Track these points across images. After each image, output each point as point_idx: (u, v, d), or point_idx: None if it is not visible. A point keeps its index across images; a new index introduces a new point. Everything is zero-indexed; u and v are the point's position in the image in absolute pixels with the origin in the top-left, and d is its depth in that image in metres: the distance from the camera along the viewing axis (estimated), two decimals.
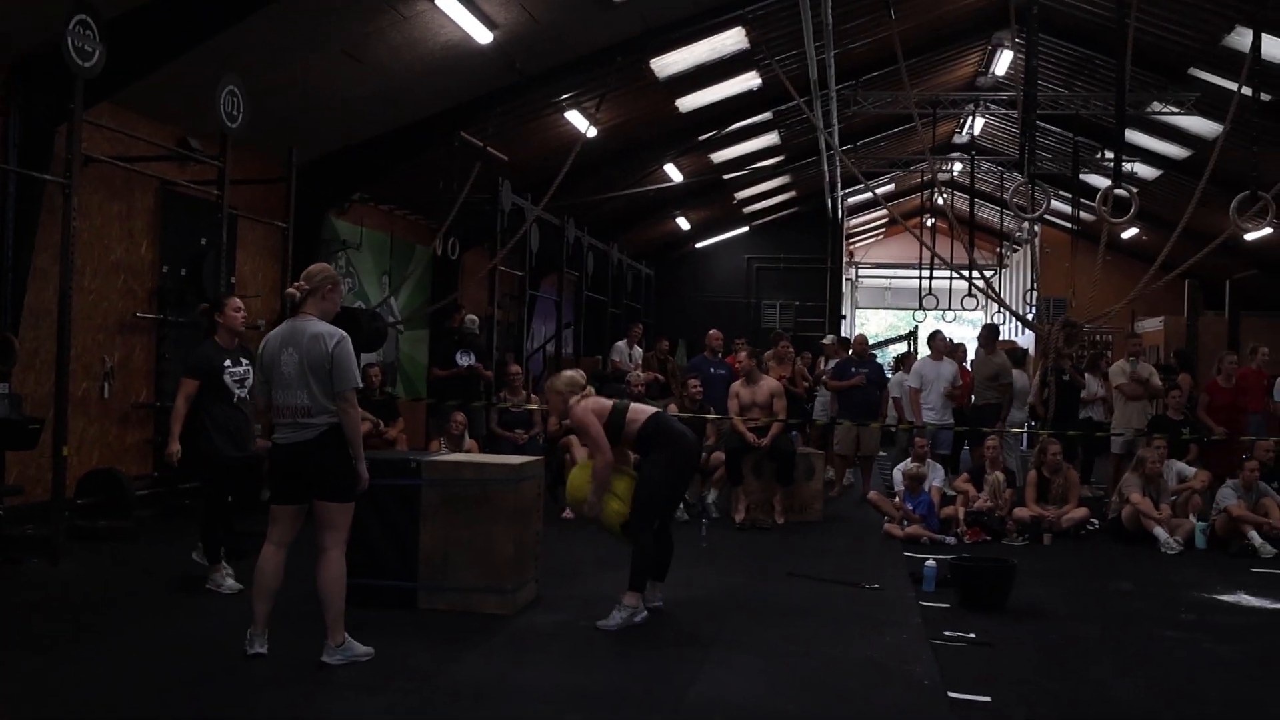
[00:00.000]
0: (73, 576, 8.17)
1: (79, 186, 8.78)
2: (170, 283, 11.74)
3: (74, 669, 5.88)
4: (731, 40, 15.43)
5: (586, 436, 7.29)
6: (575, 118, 16.11)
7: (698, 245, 30.24)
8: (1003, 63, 20.27)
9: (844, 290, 33.63)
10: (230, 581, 7.67)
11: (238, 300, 8.26)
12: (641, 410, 7.46)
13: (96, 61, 8.56)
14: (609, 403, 7.44)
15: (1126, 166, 15.79)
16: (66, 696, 5.43)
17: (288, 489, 5.97)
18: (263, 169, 12.58)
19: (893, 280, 41.06)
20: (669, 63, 15.47)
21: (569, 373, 7.73)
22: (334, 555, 5.90)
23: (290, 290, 6.02)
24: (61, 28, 8.28)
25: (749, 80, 17.58)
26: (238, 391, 7.89)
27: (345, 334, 5.95)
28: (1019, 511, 11.09)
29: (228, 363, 7.88)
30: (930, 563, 8.59)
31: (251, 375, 8.24)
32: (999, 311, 30.57)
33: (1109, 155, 19.67)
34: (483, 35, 11.92)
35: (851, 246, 37.64)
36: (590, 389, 7.63)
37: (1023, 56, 13.69)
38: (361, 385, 6.06)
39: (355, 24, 11.12)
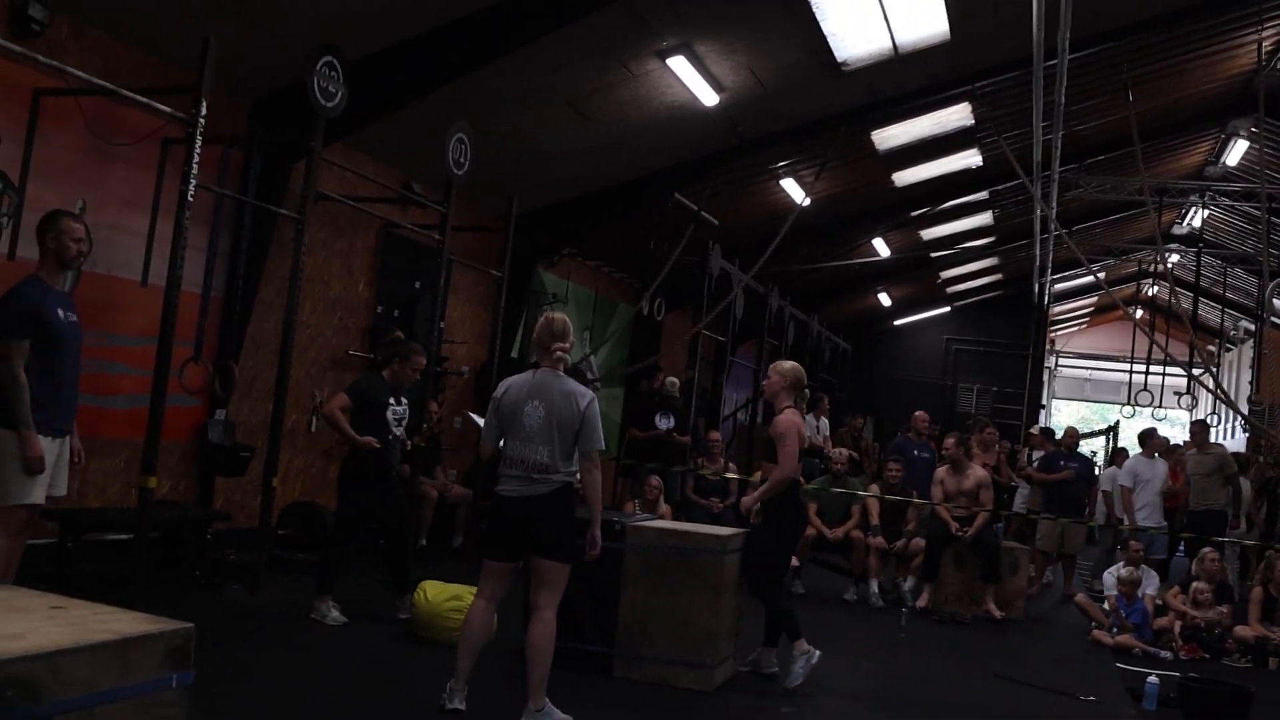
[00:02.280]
0: (271, 606, 8.20)
1: (310, 222, 8.94)
2: (383, 322, 11.91)
3: (269, 702, 5.83)
4: (956, 116, 15.07)
5: (782, 445, 7.26)
6: (790, 185, 15.93)
7: (897, 322, 29.73)
8: (1236, 152, 19.38)
9: (1043, 379, 32.57)
10: (335, 614, 7.71)
11: (422, 360, 8.44)
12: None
13: (339, 101, 8.72)
14: (804, 430, 7.55)
15: None
16: None
17: (506, 543, 5.83)
18: (477, 216, 12.70)
19: (1093, 372, 39.66)
20: (890, 135, 15.20)
21: (799, 367, 7.70)
22: (547, 616, 5.72)
23: (560, 353, 5.83)
24: (308, 68, 8.46)
25: (969, 157, 17.17)
26: (395, 430, 8.13)
27: (594, 395, 5.81)
28: (1240, 630, 10.31)
29: (391, 400, 8.09)
30: (1153, 679, 7.98)
31: (408, 417, 8.41)
32: (1213, 412, 29.11)
33: None
34: (709, 97, 11.85)
35: (1052, 334, 36.54)
36: (806, 393, 7.76)
37: (1266, 147, 13.03)
38: (604, 447, 5.89)
39: (584, 79, 11.17)
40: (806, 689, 7.19)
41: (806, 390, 7.82)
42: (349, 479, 8.04)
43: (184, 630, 2.72)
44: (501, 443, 5.82)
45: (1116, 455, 16.74)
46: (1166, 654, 10.05)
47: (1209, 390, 16.48)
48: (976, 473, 11.52)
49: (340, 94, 8.72)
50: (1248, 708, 7.32)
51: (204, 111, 7.40)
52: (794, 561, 11.06)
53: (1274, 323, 26.39)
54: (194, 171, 7.41)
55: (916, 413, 13.42)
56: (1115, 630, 10.33)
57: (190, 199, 7.43)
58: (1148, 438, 13.48)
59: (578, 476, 5.79)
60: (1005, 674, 8.43)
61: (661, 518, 10.98)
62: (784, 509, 7.36)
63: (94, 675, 2.44)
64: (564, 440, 5.65)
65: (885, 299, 27.13)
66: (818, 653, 7.12)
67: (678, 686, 6.84)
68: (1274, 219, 17.59)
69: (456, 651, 5.81)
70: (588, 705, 6.18)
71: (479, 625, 5.79)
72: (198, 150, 7.41)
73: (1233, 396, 27.53)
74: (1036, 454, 14.75)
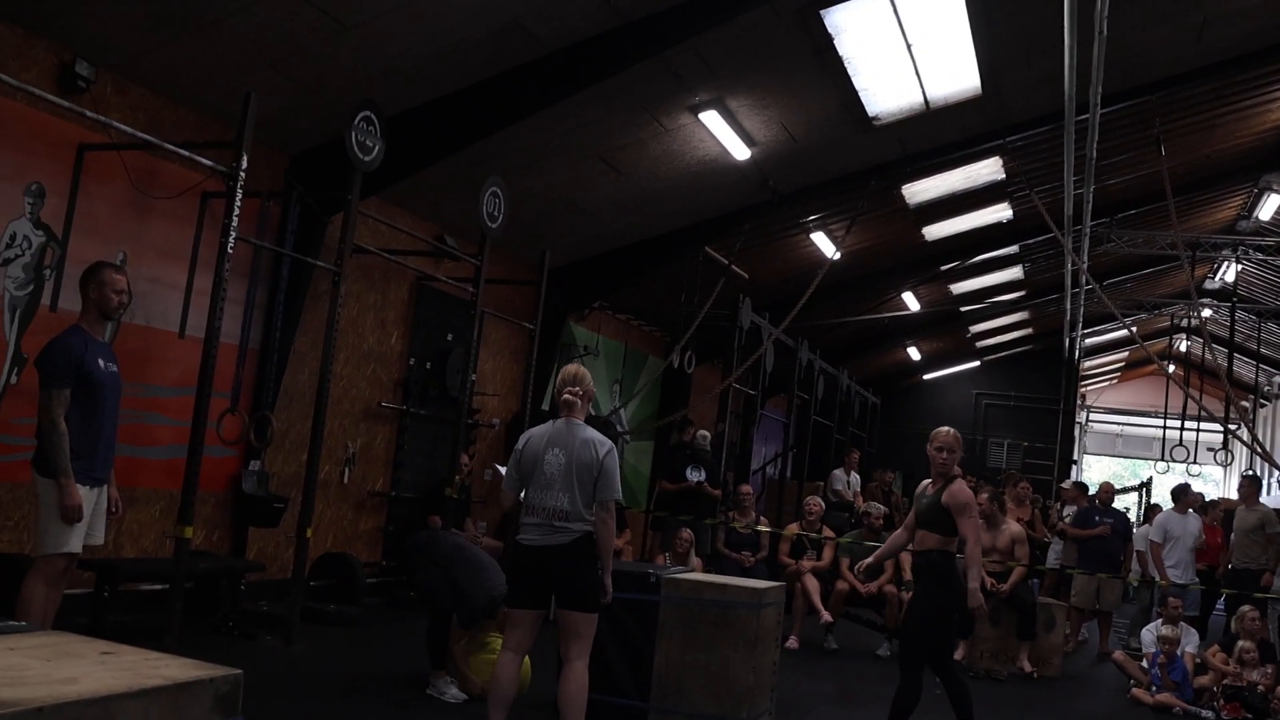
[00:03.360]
0: (304, 658, 8.20)
1: (346, 274, 9.02)
2: (416, 375, 11.96)
3: None
4: (987, 170, 15.10)
5: (967, 516, 6.85)
6: (820, 239, 15.98)
7: (926, 376, 29.65)
8: (1269, 207, 19.31)
9: (1074, 434, 32.34)
10: (454, 690, 7.42)
11: None
12: None
13: (376, 155, 8.82)
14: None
15: None
16: None
17: (530, 592, 5.83)
18: (508, 269, 12.80)
19: (1125, 427, 39.33)
20: (921, 189, 15.24)
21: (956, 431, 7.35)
22: (578, 667, 5.71)
23: (569, 397, 5.89)
24: (346, 123, 8.57)
25: (999, 211, 17.18)
26: None
27: (613, 444, 5.82)
28: None
29: None
30: None
31: None
32: (1249, 468, 28.81)
33: None
34: (741, 152, 11.94)
35: (1084, 389, 36.31)
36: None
37: None
38: (621, 498, 5.88)
39: (616, 134, 11.27)
40: None
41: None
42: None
43: (234, 677, 2.72)
44: (523, 493, 5.84)
45: (1151, 512, 16.57)
46: (1208, 714, 9.88)
47: (1246, 445, 16.32)
48: (1011, 528, 11.42)
49: (377, 148, 8.83)
50: None
51: (245, 165, 7.49)
52: (828, 616, 11.01)
53: None
54: (234, 224, 7.49)
55: None
56: (1155, 689, 10.18)
57: (230, 250, 7.50)
58: (1181, 494, 13.34)
59: None
60: None
61: (693, 570, 10.95)
62: (945, 581, 6.94)
63: None
64: (584, 488, 5.68)
65: (915, 353, 27.07)
66: None
67: None
68: None
69: (488, 704, 5.78)
70: None
71: (507, 677, 5.77)
72: (238, 202, 7.49)
73: (1273, 450, 27.30)
74: (1069, 509, 14.60)
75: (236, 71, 8.52)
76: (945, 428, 7.24)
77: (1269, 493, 27.35)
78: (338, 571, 10.29)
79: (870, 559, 7.67)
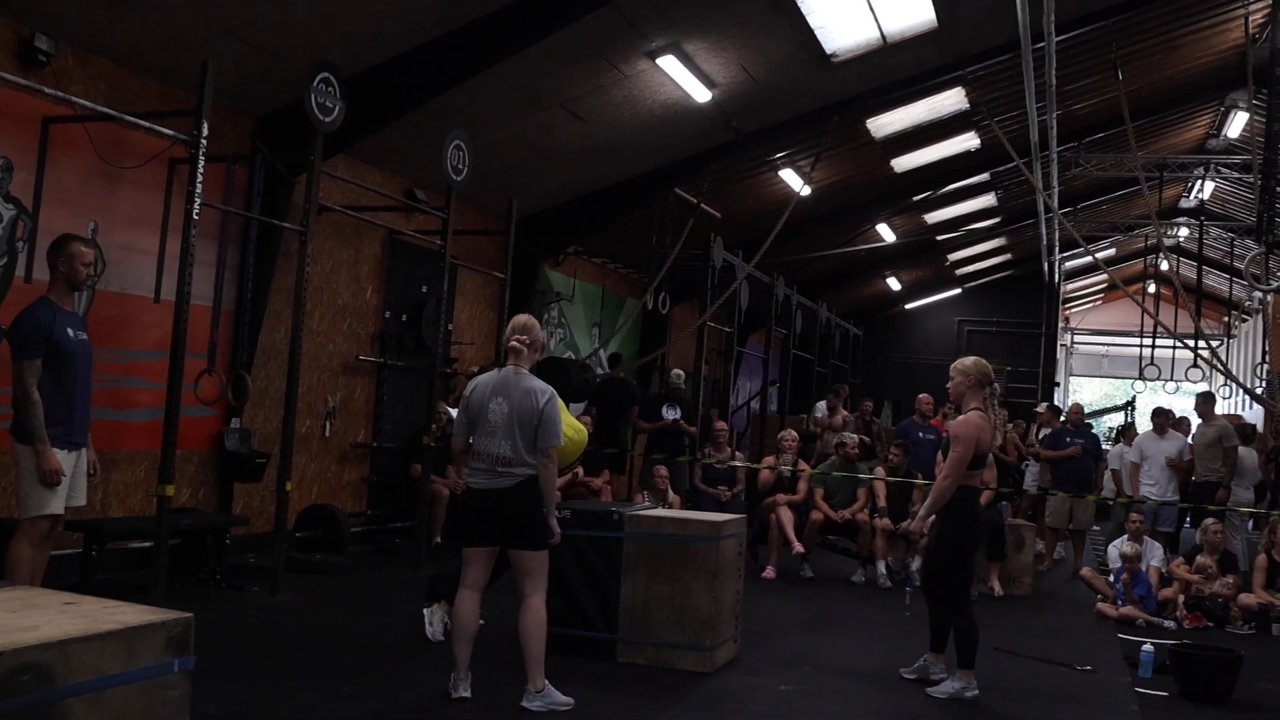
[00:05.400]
0: (289, 607, 8.50)
1: (314, 234, 9.23)
2: (392, 328, 12.19)
3: (283, 694, 6.11)
4: (951, 101, 15.23)
5: (954, 449, 6.90)
6: (789, 176, 16.15)
7: (908, 306, 29.86)
8: (1236, 125, 19.46)
9: (1059, 357, 32.64)
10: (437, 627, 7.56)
11: None
12: None
13: (336, 116, 9.01)
14: (987, 433, 7.04)
15: None
16: None
17: (480, 532, 6.09)
18: (483, 220, 13.00)
19: (1110, 348, 39.65)
20: (886, 123, 15.37)
21: (983, 361, 7.31)
22: (534, 602, 6.00)
23: (515, 344, 6.13)
24: (305, 85, 8.75)
25: (967, 141, 17.32)
26: None
27: (555, 391, 6.07)
28: (1245, 598, 10.45)
29: None
30: (1148, 647, 8.16)
31: None
32: (1225, 384, 29.14)
33: None
34: (701, 94, 12.09)
35: (1067, 312, 36.56)
36: (995, 388, 7.29)
37: (1260, 118, 13.11)
38: (562, 444, 6.14)
39: (577, 82, 11.42)
40: (808, 669, 7.45)
41: (995, 386, 7.29)
42: None
43: (184, 619, 2.99)
44: (471, 439, 6.09)
45: (1126, 432, 16.88)
46: (1171, 624, 10.19)
47: (1209, 364, 16.60)
48: None
49: (338, 109, 9.01)
50: (1237, 671, 7.48)
51: (205, 132, 7.69)
52: (800, 547, 11.31)
53: None
54: (198, 191, 7.70)
55: (920, 395, 13.57)
56: (1120, 602, 10.51)
57: (196, 217, 7.72)
58: (1157, 416, 13.64)
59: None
60: (1005, 648, 8.61)
61: (671, 506, 11.26)
62: (961, 517, 6.97)
63: (102, 661, 2.72)
64: (525, 435, 5.93)
65: (894, 283, 27.26)
66: (978, 692, 6.90)
67: (680, 669, 7.08)
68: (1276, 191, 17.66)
69: (452, 640, 6.09)
70: (592, 688, 6.43)
71: (467, 614, 6.05)
72: (201, 170, 7.70)
73: (1249, 365, 27.56)
74: (1044, 431, 14.90)
75: (196, 40, 8.67)
76: (969, 357, 7.35)
77: (1251, 407, 27.74)
78: (322, 522, 10.59)
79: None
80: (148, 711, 2.93)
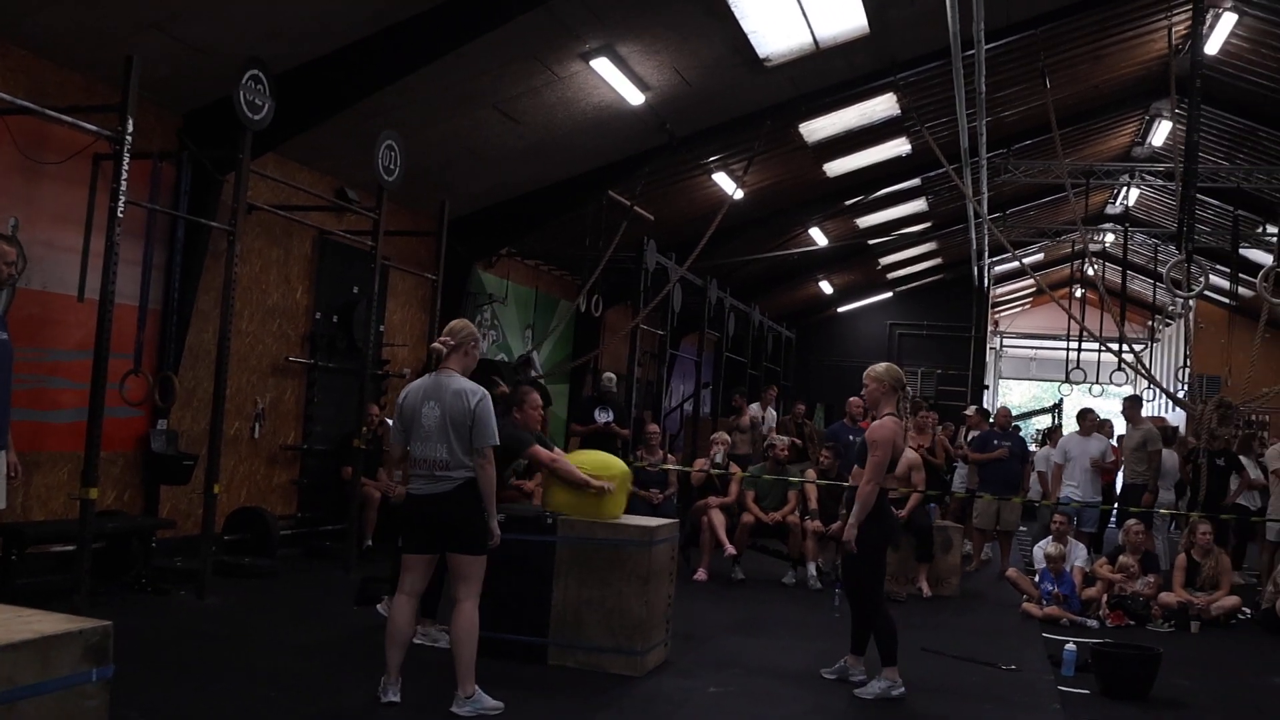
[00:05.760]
0: (217, 610, 8.39)
1: (242, 233, 9.11)
2: (322, 329, 12.07)
3: (209, 699, 6.01)
4: (882, 106, 15.38)
5: (871, 454, 7.02)
6: (722, 179, 16.21)
7: (840, 309, 30.08)
8: (1160, 133, 19.84)
9: (988, 360, 33.05)
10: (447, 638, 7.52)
11: (537, 399, 8.20)
12: None
13: (266, 114, 8.90)
14: (901, 437, 7.18)
15: None
16: None
17: (420, 539, 6.05)
18: (414, 221, 12.91)
19: (1038, 351, 40.20)
20: (818, 127, 15.48)
21: (895, 367, 7.43)
22: (467, 607, 5.96)
23: (436, 345, 6.13)
24: (234, 82, 8.63)
25: (898, 146, 17.49)
26: None
27: (486, 391, 6.04)
28: (1165, 597, 10.66)
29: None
30: (1070, 646, 8.29)
31: None
32: (1149, 387, 29.66)
33: (1271, 230, 19.04)
34: (635, 96, 12.11)
35: (997, 315, 37.03)
36: (908, 391, 7.44)
37: (1182, 127, 13.40)
38: (498, 443, 6.10)
39: (510, 83, 11.37)
40: (738, 671, 7.48)
41: (908, 390, 7.49)
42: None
43: (102, 628, 2.93)
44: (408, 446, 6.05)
45: (1051, 434, 17.13)
46: (1093, 623, 10.36)
47: (1130, 367, 16.89)
48: (907, 455, 11.72)
49: (267, 106, 8.90)
50: (1156, 669, 7.63)
51: (130, 129, 7.56)
52: (731, 550, 11.34)
53: (1210, 298, 27.02)
54: (123, 188, 7.57)
55: (851, 398, 13.64)
56: (1045, 602, 10.65)
57: (120, 214, 7.59)
58: (1082, 417, 13.84)
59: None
60: (933, 648, 8.71)
61: None
62: (876, 518, 7.07)
63: (15, 672, 2.65)
64: (460, 437, 5.90)
65: (827, 287, 27.45)
66: (903, 690, 7.02)
67: (611, 673, 7.07)
68: (1200, 197, 18.02)
69: (385, 645, 6.03)
70: (523, 692, 6.41)
71: (403, 620, 6.00)
72: (125, 167, 7.57)
73: (1172, 369, 28.05)
74: (973, 434, 15.07)
75: (121, 33, 8.51)
76: (881, 363, 7.49)
77: (1171, 410, 28.26)
78: (251, 525, 10.45)
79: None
80: None
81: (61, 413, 8.88)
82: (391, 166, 10.69)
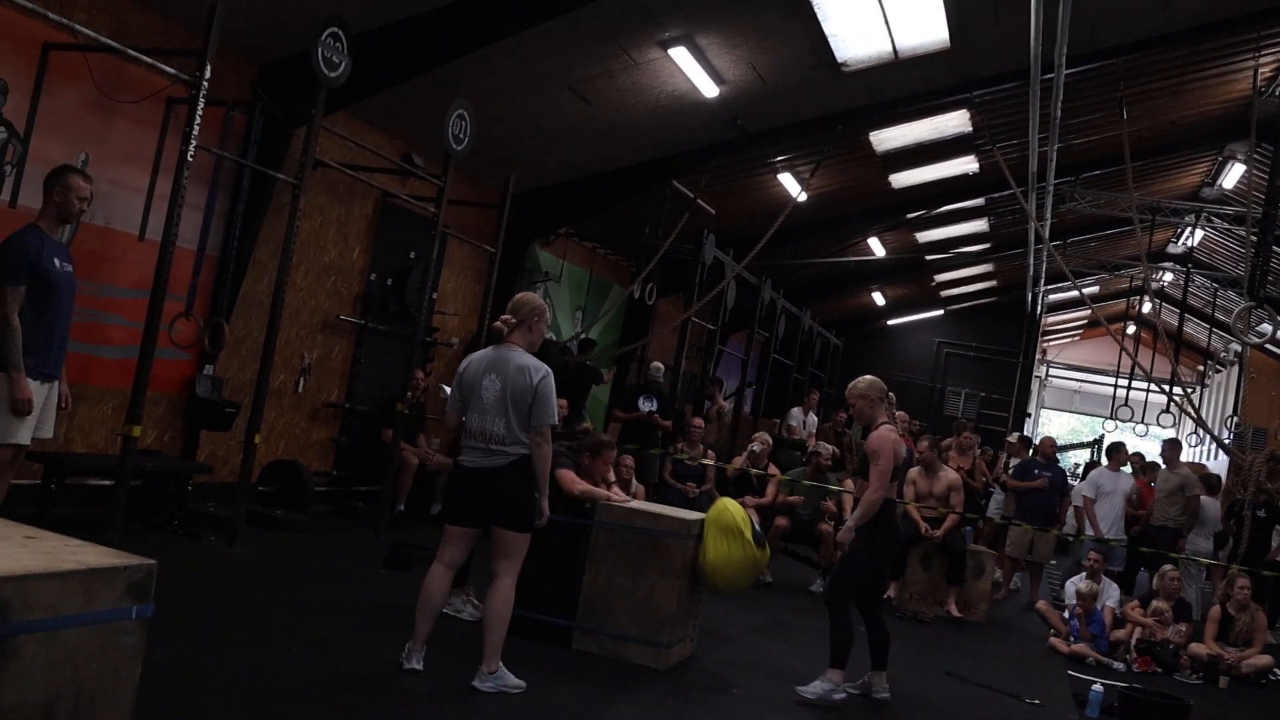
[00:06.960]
0: (246, 559, 8.42)
1: (307, 188, 9.13)
2: (376, 290, 12.09)
3: (231, 647, 6.02)
4: (955, 122, 15.23)
5: (875, 463, 7.06)
6: (787, 180, 16.11)
7: (889, 322, 29.90)
8: (1232, 175, 19.52)
9: (1032, 388, 32.77)
10: (470, 610, 7.58)
11: (613, 456, 8.39)
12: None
13: (342, 72, 8.91)
14: (900, 448, 7.24)
15: None
16: (216, 674, 5.53)
17: (466, 512, 6.02)
18: (476, 192, 12.89)
19: (1083, 384, 39.83)
20: (888, 137, 15.36)
21: (874, 379, 7.40)
22: (505, 583, 5.92)
23: (498, 324, 6.08)
24: (313, 38, 8.64)
25: (966, 164, 17.33)
26: None
27: (549, 369, 5.99)
28: (1195, 647, 10.48)
29: None
30: (1098, 687, 8.18)
31: None
32: (1194, 431, 29.30)
33: None
34: (709, 89, 12.03)
35: (1045, 344, 36.70)
36: (892, 399, 7.48)
37: (1259, 172, 13.18)
38: (557, 423, 6.07)
39: (586, 64, 11.33)
40: (760, 674, 7.43)
41: (892, 396, 7.50)
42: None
43: (146, 566, 2.92)
44: (464, 416, 6.02)
45: (1090, 469, 16.93)
46: (1120, 665, 10.21)
47: (1182, 410, 16.67)
48: (948, 476, 11.70)
49: (344, 65, 8.90)
50: None
51: (208, 75, 7.58)
52: None
53: (1265, 349, 26.65)
54: (195, 133, 7.60)
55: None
56: (1073, 639, 10.52)
57: (190, 159, 7.62)
58: (1114, 451, 13.67)
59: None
60: (957, 673, 8.62)
61: (634, 496, 11.18)
62: (877, 529, 7.11)
63: (59, 601, 2.64)
64: (519, 413, 5.84)
65: (879, 298, 27.30)
66: (845, 694, 7.06)
67: (634, 663, 7.03)
68: (1275, 246, 17.75)
69: (416, 613, 6.01)
70: (545, 674, 6.37)
71: (437, 589, 5.98)
72: (199, 112, 7.59)
73: (1219, 415, 27.73)
74: (1014, 461, 14.93)
75: None
76: (861, 378, 7.45)
77: (1215, 456, 27.90)
78: (287, 478, 10.50)
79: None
80: (100, 655, 2.87)
81: (111, 349, 8.93)
82: (461, 136, 10.68)
